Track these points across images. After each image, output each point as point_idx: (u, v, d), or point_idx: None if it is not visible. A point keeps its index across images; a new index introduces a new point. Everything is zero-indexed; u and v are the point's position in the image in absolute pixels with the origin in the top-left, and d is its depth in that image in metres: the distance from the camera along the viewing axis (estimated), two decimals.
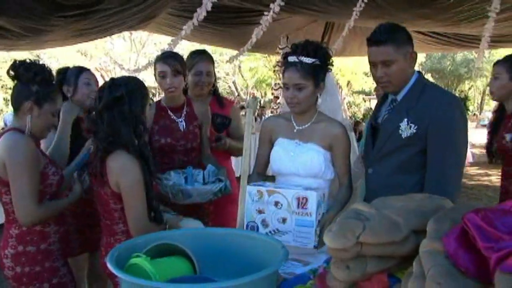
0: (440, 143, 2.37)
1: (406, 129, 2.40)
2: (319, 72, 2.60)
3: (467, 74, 25.62)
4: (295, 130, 2.69)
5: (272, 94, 12.23)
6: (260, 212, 2.32)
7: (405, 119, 2.41)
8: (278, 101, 12.54)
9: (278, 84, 11.13)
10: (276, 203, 2.30)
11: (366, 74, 24.90)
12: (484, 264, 1.10)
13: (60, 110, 2.79)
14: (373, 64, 2.49)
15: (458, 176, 2.44)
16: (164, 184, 2.83)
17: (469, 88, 29.59)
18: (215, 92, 3.69)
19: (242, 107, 15.44)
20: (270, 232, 2.31)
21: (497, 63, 3.63)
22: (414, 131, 2.39)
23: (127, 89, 2.37)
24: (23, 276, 2.40)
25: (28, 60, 2.44)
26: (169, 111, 3.21)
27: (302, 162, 2.62)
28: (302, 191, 2.29)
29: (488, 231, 1.14)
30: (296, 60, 2.55)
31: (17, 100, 2.42)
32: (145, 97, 2.46)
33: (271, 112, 12.70)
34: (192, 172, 3.00)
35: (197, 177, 3.00)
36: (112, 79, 2.48)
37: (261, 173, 2.84)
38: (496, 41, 7.25)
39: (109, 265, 1.54)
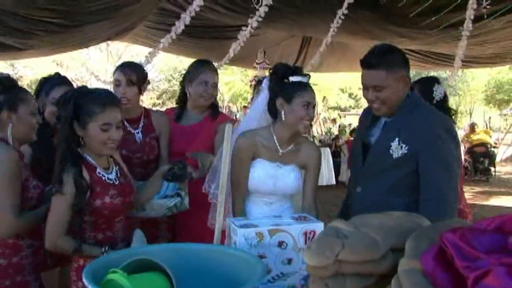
0: (431, 165, 2.35)
1: (397, 149, 2.37)
2: None
3: None
4: (279, 154, 2.71)
5: (245, 107, 12.21)
6: (260, 258, 1.88)
7: (397, 139, 2.38)
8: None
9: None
10: (280, 243, 1.99)
11: (342, 90, 25.12)
12: (462, 283, 1.11)
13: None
14: (364, 87, 2.45)
15: (454, 197, 2.40)
16: None
17: None
18: (214, 105, 3.47)
19: None
20: (272, 278, 2.00)
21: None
22: (405, 151, 2.36)
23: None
24: None
25: None
26: (125, 123, 3.11)
27: (283, 185, 2.69)
28: (309, 224, 2.03)
29: (466, 250, 1.15)
30: (307, 81, 2.65)
31: None
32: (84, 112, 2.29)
33: None
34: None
35: (160, 190, 2.86)
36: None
37: (244, 198, 2.76)
38: (468, 62, 7.42)
39: (85, 281, 1.52)
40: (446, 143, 2.39)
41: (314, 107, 2.65)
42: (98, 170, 2.34)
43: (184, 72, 3.51)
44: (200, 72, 3.33)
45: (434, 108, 2.68)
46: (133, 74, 3.10)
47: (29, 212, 2.41)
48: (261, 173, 2.69)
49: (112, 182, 2.37)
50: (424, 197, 2.35)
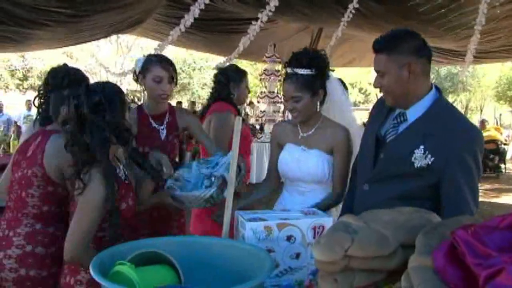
0: (457, 182, 2.12)
1: (421, 158, 2.11)
2: (315, 81, 2.65)
3: (451, 88, 25.95)
4: (299, 137, 2.77)
5: (258, 102, 12.27)
6: (269, 252, 1.86)
7: (422, 146, 2.11)
8: (259, 107, 12.56)
9: (264, 92, 11.15)
10: (289, 238, 1.96)
11: (351, 85, 25.06)
12: (473, 281, 1.09)
13: None
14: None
15: (475, 211, 2.15)
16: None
17: (453, 102, 30.01)
18: None
19: None
20: (280, 272, 1.97)
21: None
22: (429, 162, 2.10)
23: (105, 95, 2.13)
24: (27, 280, 2.25)
25: (56, 67, 2.48)
26: (150, 118, 3.07)
27: (307, 169, 2.71)
28: (318, 219, 2.01)
29: (477, 247, 1.13)
30: (292, 71, 2.63)
31: (54, 108, 2.44)
32: (125, 103, 2.22)
33: (256, 119, 12.73)
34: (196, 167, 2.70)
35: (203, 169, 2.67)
36: (87, 85, 2.22)
37: (272, 179, 2.95)
38: (479, 57, 7.35)
39: (92, 272, 1.51)
40: (479, 162, 2.17)
41: (296, 101, 2.64)
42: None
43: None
44: (245, 77, 4.16)
45: (464, 115, 2.43)
46: (173, 70, 3.05)
47: None
48: (287, 156, 2.78)
49: (126, 181, 2.24)
50: (449, 212, 2.05)
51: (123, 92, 2.26)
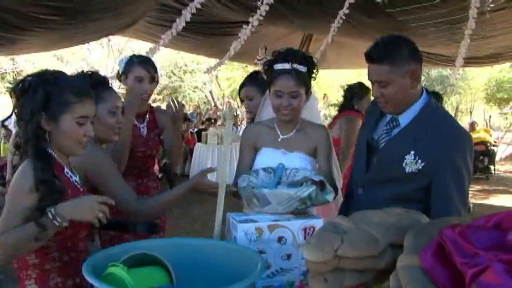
0: (446, 184, 2.16)
1: (411, 163, 2.15)
2: (309, 79, 2.56)
3: (442, 90, 26.05)
4: (279, 139, 2.63)
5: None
6: (260, 253, 1.84)
7: (412, 152, 2.15)
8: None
9: None
10: (280, 239, 1.95)
11: (342, 87, 25.05)
12: (460, 279, 1.12)
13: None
14: (371, 82, 2.27)
15: (463, 213, 2.21)
16: (238, 186, 2.34)
17: (443, 104, 30.12)
18: None
19: (216, 120, 15.42)
20: (272, 273, 1.95)
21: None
22: (420, 167, 2.14)
23: (33, 82, 1.90)
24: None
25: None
26: None
27: None
28: (308, 220, 2.00)
29: (464, 246, 1.15)
30: (290, 67, 2.48)
31: None
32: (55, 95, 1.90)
33: (247, 122, 12.71)
34: (284, 171, 2.46)
35: (294, 177, 2.43)
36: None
37: None
38: (468, 63, 7.42)
39: (85, 274, 1.52)
40: (468, 163, 2.22)
41: (294, 96, 2.49)
42: (65, 169, 2.00)
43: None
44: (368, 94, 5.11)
45: (453, 117, 2.46)
46: (154, 71, 3.16)
47: (149, 198, 2.46)
48: (267, 160, 2.60)
49: (79, 186, 2.05)
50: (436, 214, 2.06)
51: (62, 87, 1.93)
